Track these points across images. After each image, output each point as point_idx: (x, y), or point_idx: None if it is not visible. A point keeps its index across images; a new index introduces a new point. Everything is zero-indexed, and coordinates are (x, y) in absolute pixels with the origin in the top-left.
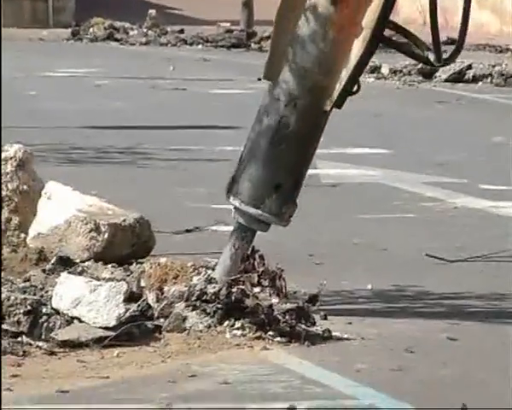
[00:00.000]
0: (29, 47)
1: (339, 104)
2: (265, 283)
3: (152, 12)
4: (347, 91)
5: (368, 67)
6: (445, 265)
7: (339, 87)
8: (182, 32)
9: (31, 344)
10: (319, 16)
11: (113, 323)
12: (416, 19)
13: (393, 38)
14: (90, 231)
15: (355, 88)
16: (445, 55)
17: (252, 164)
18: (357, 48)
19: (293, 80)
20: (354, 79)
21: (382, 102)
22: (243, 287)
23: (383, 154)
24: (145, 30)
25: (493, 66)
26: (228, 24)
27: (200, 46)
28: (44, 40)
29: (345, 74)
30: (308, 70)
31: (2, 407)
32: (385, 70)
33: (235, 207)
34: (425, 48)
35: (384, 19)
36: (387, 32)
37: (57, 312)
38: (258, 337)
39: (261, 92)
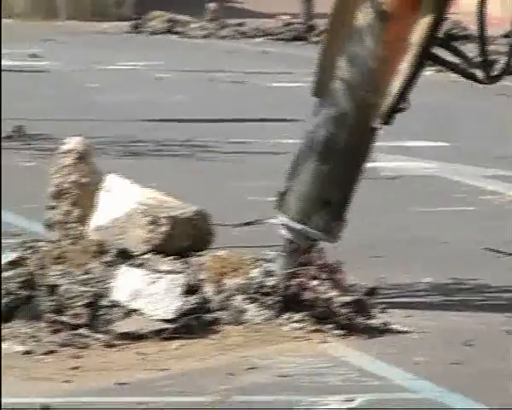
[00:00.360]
0: (90, 40)
1: (387, 121)
2: (324, 276)
3: (212, 5)
4: (396, 108)
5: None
6: (505, 258)
7: (387, 104)
8: (242, 25)
9: (90, 336)
10: (368, 33)
11: (172, 315)
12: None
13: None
14: (149, 224)
15: (403, 105)
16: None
17: (300, 180)
18: (405, 65)
19: (342, 97)
20: (403, 96)
21: (441, 94)
22: (302, 280)
23: (442, 147)
24: (205, 23)
25: None
26: (288, 17)
27: (259, 39)
28: (105, 33)
29: (393, 91)
30: (356, 87)
31: (63, 399)
32: None
33: (284, 224)
34: (473, 65)
35: (433, 36)
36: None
37: (116, 304)
38: (317, 330)
39: None
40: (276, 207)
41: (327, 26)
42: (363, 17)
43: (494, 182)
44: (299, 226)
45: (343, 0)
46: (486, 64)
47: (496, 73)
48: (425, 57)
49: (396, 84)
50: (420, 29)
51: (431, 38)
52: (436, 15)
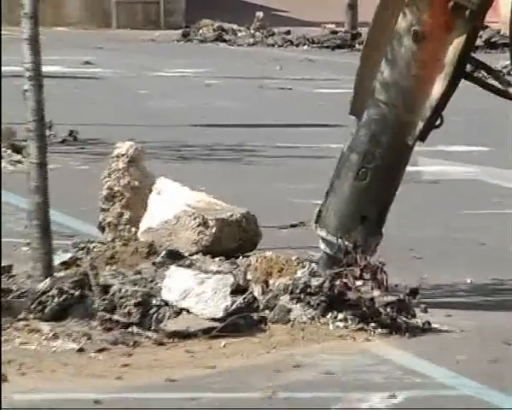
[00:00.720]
0: (141, 48)
1: (422, 138)
2: (367, 276)
3: (259, 14)
4: (430, 126)
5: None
6: None
7: (422, 122)
8: (288, 33)
9: (141, 335)
10: (403, 54)
11: (220, 314)
12: None
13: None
14: (198, 226)
15: (438, 122)
16: None
17: (338, 197)
18: (439, 84)
19: (377, 116)
20: (437, 113)
21: (482, 100)
22: (346, 280)
23: (482, 151)
24: (253, 31)
25: None
26: (333, 25)
27: (305, 47)
28: (156, 41)
29: (427, 110)
30: (391, 106)
31: (114, 395)
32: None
33: (322, 238)
34: (505, 83)
35: (466, 56)
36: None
37: (166, 303)
38: (360, 329)
39: None
40: (315, 222)
41: (363, 48)
42: (399, 37)
43: None
44: (338, 241)
45: (379, 22)
46: None
47: None
48: (459, 76)
49: (431, 103)
50: (453, 49)
51: (464, 58)
52: (468, 36)
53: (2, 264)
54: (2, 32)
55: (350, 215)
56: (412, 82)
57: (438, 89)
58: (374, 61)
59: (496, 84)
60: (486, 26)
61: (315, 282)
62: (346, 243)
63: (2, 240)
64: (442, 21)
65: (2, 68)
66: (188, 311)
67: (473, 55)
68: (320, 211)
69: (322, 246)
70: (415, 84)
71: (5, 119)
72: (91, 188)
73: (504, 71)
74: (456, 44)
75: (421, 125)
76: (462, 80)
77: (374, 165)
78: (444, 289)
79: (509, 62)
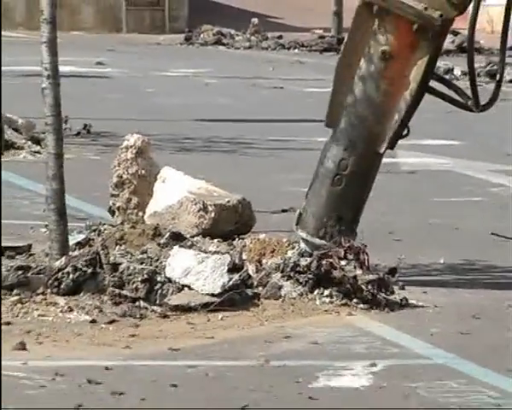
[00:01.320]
0: (148, 50)
1: (391, 147)
2: (351, 257)
3: (255, 20)
4: (399, 136)
5: (442, 69)
6: (510, 242)
7: (390, 133)
8: (280, 37)
9: (147, 308)
10: (372, 71)
11: (218, 290)
12: (484, 27)
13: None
14: (198, 211)
15: (405, 132)
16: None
17: (316, 201)
18: (405, 99)
19: (351, 127)
20: (404, 124)
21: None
22: (331, 260)
23: (455, 145)
24: (248, 36)
25: None
26: (321, 31)
27: (296, 50)
28: (161, 44)
29: (396, 121)
30: (363, 118)
31: (123, 362)
32: (457, 72)
33: (302, 238)
34: (465, 97)
35: (429, 72)
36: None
37: (170, 280)
38: (344, 304)
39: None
40: (296, 224)
41: (337, 65)
42: (369, 57)
43: (501, 176)
44: (317, 241)
45: (352, 41)
46: (475, 96)
47: (485, 102)
48: (423, 90)
49: (399, 115)
50: (418, 67)
51: (428, 74)
52: (431, 55)
53: (23, 244)
54: (23, 36)
55: (327, 217)
56: (381, 97)
57: (404, 103)
58: (347, 77)
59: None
60: (458, 33)
61: (303, 261)
62: (324, 241)
63: (23, 222)
64: (407, 42)
65: (24, 68)
66: (189, 287)
67: (447, 62)
68: (300, 214)
69: (303, 245)
70: (384, 98)
71: (25, 113)
72: (103, 176)
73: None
74: (420, 63)
75: (390, 135)
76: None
77: (348, 172)
78: (420, 269)
79: (477, 65)
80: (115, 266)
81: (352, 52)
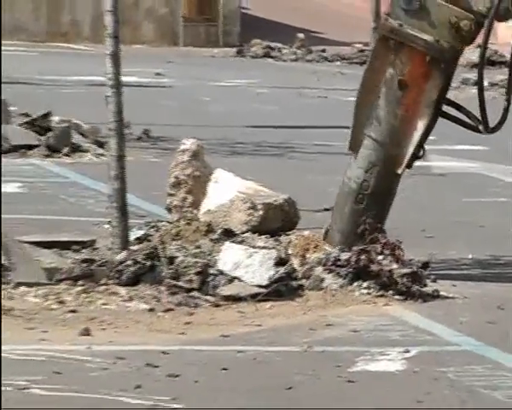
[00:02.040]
0: (203, 62)
1: (409, 166)
2: (387, 252)
3: (300, 35)
4: (415, 157)
5: (472, 81)
6: None
7: (407, 155)
8: (324, 51)
9: (200, 298)
10: (390, 99)
11: (265, 282)
12: (510, 42)
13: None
14: (248, 209)
15: (421, 153)
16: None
17: (341, 218)
18: (420, 123)
19: (371, 151)
20: (420, 146)
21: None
22: (369, 255)
23: (481, 150)
24: (295, 49)
25: None
26: (360, 45)
27: (338, 62)
28: (215, 57)
29: (412, 145)
30: (382, 142)
31: (178, 347)
32: (485, 83)
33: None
34: (475, 120)
35: (441, 98)
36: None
37: (221, 273)
38: (381, 296)
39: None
40: (323, 239)
41: (358, 93)
42: (387, 86)
43: None
44: (342, 255)
45: (372, 70)
46: (485, 119)
47: (493, 125)
48: (436, 115)
49: (415, 138)
50: (431, 94)
51: (440, 100)
52: (443, 83)
53: (88, 239)
54: (89, 48)
55: (351, 233)
56: (398, 122)
57: (419, 127)
58: (367, 104)
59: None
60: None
61: (344, 256)
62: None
63: (88, 219)
64: (421, 72)
65: (90, 78)
66: (239, 279)
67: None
68: (327, 230)
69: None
70: (401, 124)
71: (91, 119)
72: (161, 177)
73: (501, 84)
74: (433, 90)
75: (407, 157)
76: None
77: (369, 191)
78: (450, 264)
79: (504, 77)
80: (172, 260)
81: (372, 81)
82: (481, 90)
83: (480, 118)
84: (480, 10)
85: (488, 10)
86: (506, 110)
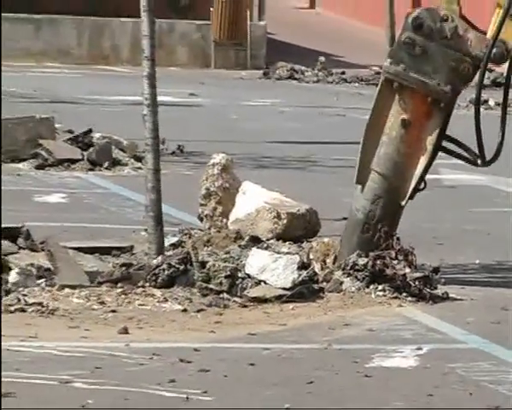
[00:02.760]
0: (233, 84)
1: (411, 198)
2: (401, 257)
3: (322, 58)
4: (417, 189)
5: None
6: None
7: (410, 188)
8: (343, 73)
9: (229, 299)
10: (394, 136)
11: (289, 285)
12: None
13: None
14: (273, 218)
15: (422, 186)
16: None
17: (348, 245)
18: (422, 159)
19: (376, 184)
20: (422, 180)
21: (489, 126)
22: (385, 260)
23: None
24: (316, 72)
25: None
26: (377, 68)
27: (356, 84)
28: (243, 78)
29: (414, 178)
30: (386, 176)
31: (209, 344)
32: (491, 103)
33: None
34: (473, 154)
35: (442, 135)
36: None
37: (249, 276)
38: (395, 298)
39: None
40: (333, 262)
41: (365, 130)
42: (391, 124)
43: None
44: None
45: (378, 109)
46: (482, 153)
47: (489, 158)
48: (437, 150)
49: (417, 173)
50: (432, 132)
51: (441, 137)
52: (443, 121)
53: (126, 244)
54: (128, 70)
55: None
56: (402, 158)
57: (421, 162)
58: (373, 139)
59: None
60: (493, 70)
61: (361, 261)
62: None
63: (127, 226)
64: (423, 111)
65: (129, 97)
66: (265, 282)
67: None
68: (336, 257)
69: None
70: (404, 159)
71: (129, 135)
72: (193, 188)
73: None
74: (434, 128)
75: (410, 190)
76: None
77: (375, 221)
78: (458, 268)
79: (510, 96)
80: (203, 264)
81: (377, 119)
82: (478, 127)
83: (477, 152)
84: (478, 55)
85: (484, 55)
86: (500, 144)
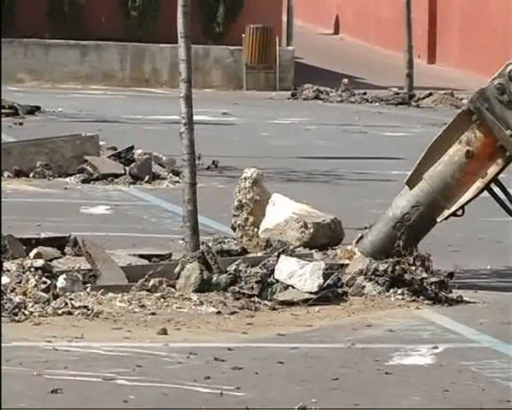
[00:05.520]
0: (263, 104)
1: (445, 220)
2: (418, 263)
3: (345, 80)
4: (455, 214)
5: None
6: None
7: (450, 211)
8: (365, 93)
9: (260, 303)
10: (455, 161)
11: (315, 289)
12: None
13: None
14: (300, 228)
15: (460, 212)
16: None
17: (377, 234)
18: (471, 191)
19: (422, 194)
20: (463, 208)
21: None
22: (403, 266)
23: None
24: (340, 92)
25: None
26: (396, 88)
27: (377, 103)
28: (273, 99)
29: (457, 205)
30: (434, 191)
31: (241, 344)
32: None
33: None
34: None
35: (495, 179)
36: None
37: (278, 281)
38: (413, 301)
39: (415, 135)
40: (355, 242)
41: (433, 141)
42: (456, 149)
43: None
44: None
45: (448, 132)
46: None
47: None
48: (485, 189)
49: (461, 200)
50: (489, 173)
51: (493, 180)
52: (502, 168)
53: (165, 252)
54: (167, 92)
55: (380, 251)
56: (453, 182)
57: (468, 194)
58: (434, 157)
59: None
60: None
61: (381, 267)
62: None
63: (166, 235)
64: (489, 152)
65: (167, 117)
66: (292, 286)
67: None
68: (361, 236)
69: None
70: (455, 184)
71: (168, 152)
72: (227, 200)
73: None
74: (492, 170)
75: (449, 212)
76: None
77: (408, 224)
78: (471, 273)
79: None
80: (236, 270)
81: (447, 138)
82: None
83: None
84: None
85: None
86: None
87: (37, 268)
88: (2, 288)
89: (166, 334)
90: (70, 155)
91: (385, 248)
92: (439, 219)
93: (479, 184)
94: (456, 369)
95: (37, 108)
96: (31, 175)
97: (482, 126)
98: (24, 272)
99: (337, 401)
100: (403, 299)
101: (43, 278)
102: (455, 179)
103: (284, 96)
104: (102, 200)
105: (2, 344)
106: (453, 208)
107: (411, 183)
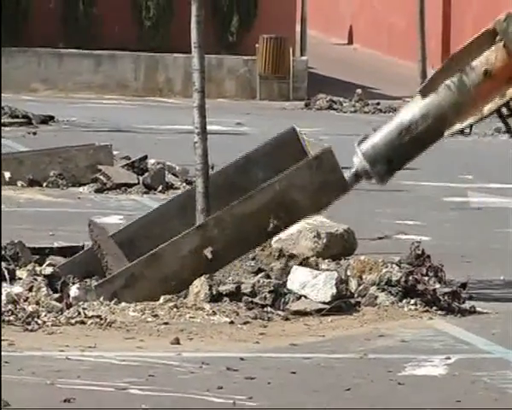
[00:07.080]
0: (276, 113)
1: (451, 136)
2: (431, 274)
3: (358, 90)
4: (462, 132)
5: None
6: None
7: (457, 127)
8: (378, 104)
9: (273, 313)
10: (472, 77)
11: (328, 299)
12: None
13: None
14: (313, 237)
15: (468, 131)
16: None
17: (381, 137)
18: (481, 112)
19: (433, 105)
20: (469, 127)
21: None
22: (416, 277)
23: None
24: (354, 103)
25: None
26: (409, 99)
27: (390, 113)
28: (286, 109)
29: (466, 122)
30: (445, 103)
31: (254, 354)
32: None
33: (358, 156)
34: None
35: (507, 104)
36: None
37: (290, 291)
38: (426, 311)
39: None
40: (358, 143)
41: (450, 57)
42: (475, 66)
43: None
44: (366, 166)
45: (469, 48)
46: None
47: None
48: (495, 112)
49: (472, 119)
50: (506, 95)
51: (506, 105)
52: None
53: None
54: (180, 102)
55: (381, 153)
56: (467, 98)
57: (479, 113)
58: (453, 69)
59: None
60: None
61: (394, 277)
62: (370, 169)
63: None
64: (508, 75)
65: (180, 127)
66: (305, 297)
67: None
68: (365, 136)
69: (355, 159)
70: (468, 100)
71: (181, 161)
72: None
73: None
74: (508, 94)
75: (457, 128)
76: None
77: (415, 134)
78: (484, 284)
79: None
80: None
81: (466, 55)
82: None
83: None
84: None
85: None
86: None
87: (46, 276)
88: (16, 297)
89: (179, 344)
90: (83, 164)
91: (387, 153)
92: (445, 134)
93: (491, 105)
94: (469, 380)
95: (51, 118)
96: (44, 185)
97: (505, 49)
98: (35, 279)
99: None
100: (416, 309)
101: (54, 286)
102: (469, 95)
103: (298, 106)
104: (116, 209)
105: (15, 353)
106: (462, 126)
107: (425, 91)
